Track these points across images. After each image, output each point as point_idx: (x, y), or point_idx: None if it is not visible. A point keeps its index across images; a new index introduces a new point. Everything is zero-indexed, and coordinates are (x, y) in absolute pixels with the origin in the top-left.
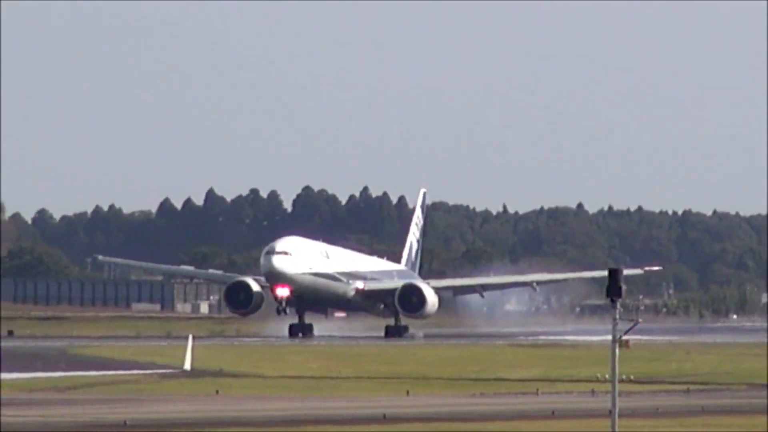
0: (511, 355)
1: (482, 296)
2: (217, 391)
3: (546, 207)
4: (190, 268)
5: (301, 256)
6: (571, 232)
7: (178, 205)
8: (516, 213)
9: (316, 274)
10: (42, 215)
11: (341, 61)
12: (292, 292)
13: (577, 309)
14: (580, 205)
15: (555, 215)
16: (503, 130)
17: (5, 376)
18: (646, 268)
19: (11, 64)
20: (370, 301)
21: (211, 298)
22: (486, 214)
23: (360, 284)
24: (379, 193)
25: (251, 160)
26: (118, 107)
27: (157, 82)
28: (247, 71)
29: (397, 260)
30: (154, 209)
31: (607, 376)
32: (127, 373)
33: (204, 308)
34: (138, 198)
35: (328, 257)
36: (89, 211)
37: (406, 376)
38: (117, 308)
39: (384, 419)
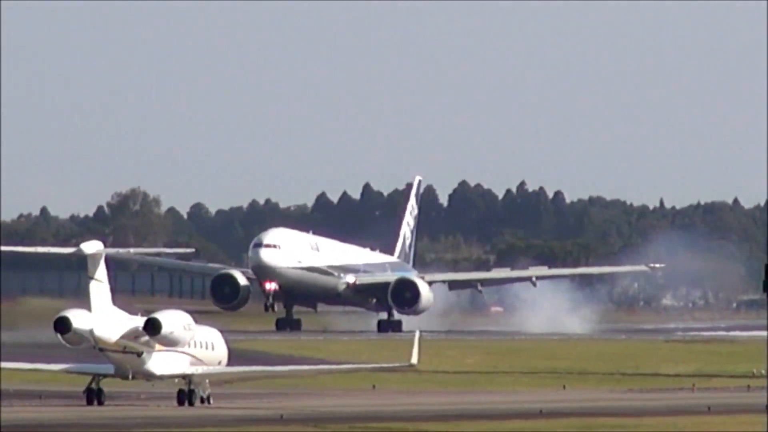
0: (667, 350)
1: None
2: (373, 386)
3: (702, 202)
4: (174, 260)
5: (289, 249)
6: (726, 227)
7: (335, 199)
8: (673, 208)
9: (305, 268)
10: (197, 209)
11: (488, 55)
12: (280, 286)
13: (734, 304)
14: (736, 201)
15: (711, 210)
16: (661, 125)
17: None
18: None
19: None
20: (362, 296)
21: None
22: (643, 209)
23: (351, 278)
24: (536, 188)
25: (407, 154)
26: (280, 102)
27: (319, 76)
28: (409, 68)
29: (551, 258)
30: (310, 203)
31: (763, 371)
32: (352, 367)
33: None
34: (295, 192)
35: (318, 250)
36: (245, 205)
37: (564, 370)
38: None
39: (540, 414)
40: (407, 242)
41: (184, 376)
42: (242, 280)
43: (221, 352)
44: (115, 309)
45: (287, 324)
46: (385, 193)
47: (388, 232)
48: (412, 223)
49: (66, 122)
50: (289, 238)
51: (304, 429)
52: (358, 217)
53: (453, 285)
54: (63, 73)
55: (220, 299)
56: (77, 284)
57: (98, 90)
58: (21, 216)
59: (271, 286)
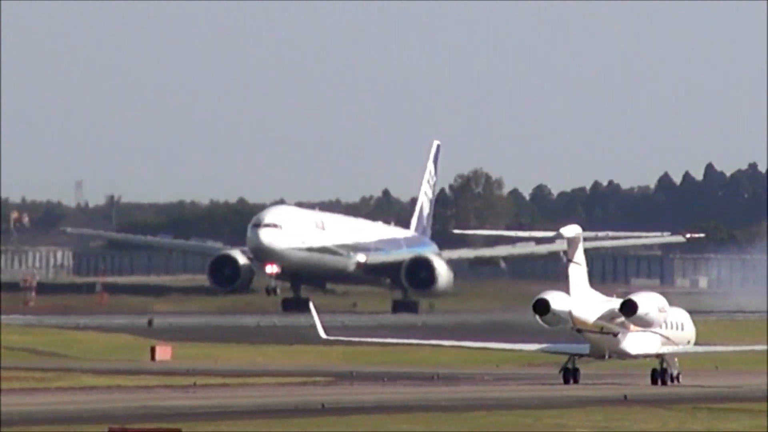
0: None
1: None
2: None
3: None
4: (170, 239)
5: (292, 229)
6: None
7: (677, 179)
8: None
9: (309, 249)
10: (539, 191)
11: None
12: (282, 269)
13: None
14: None
15: None
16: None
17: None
18: None
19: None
20: (374, 275)
21: (712, 272)
22: None
23: (362, 257)
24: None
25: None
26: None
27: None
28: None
29: None
30: (652, 184)
31: None
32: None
33: (703, 283)
34: (637, 173)
35: (323, 228)
36: (588, 186)
37: None
38: (616, 283)
39: None
40: (425, 213)
41: (657, 356)
42: (242, 260)
43: (690, 332)
44: (592, 291)
45: (294, 304)
46: (728, 174)
47: (730, 212)
48: (430, 192)
49: (407, 105)
50: (292, 217)
51: None
52: (701, 197)
53: (474, 262)
54: None
55: (219, 281)
56: None
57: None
58: (363, 198)
59: (272, 269)
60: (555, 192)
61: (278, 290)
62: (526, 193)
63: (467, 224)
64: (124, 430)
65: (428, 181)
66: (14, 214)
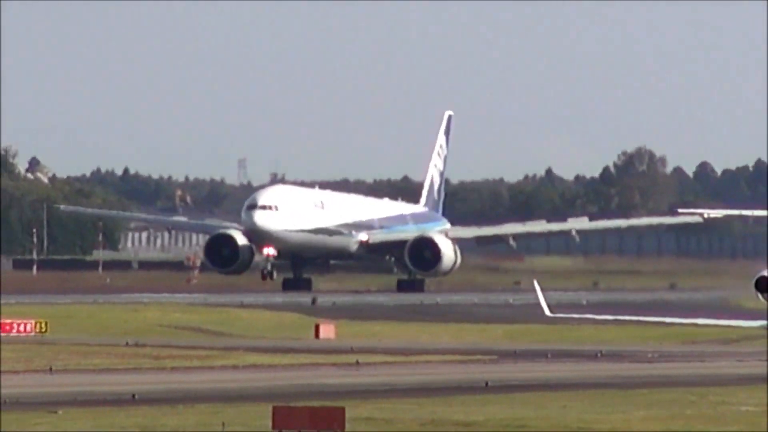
0: None
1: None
2: None
3: None
4: (183, 218)
5: (289, 210)
6: None
7: None
8: None
9: (308, 231)
10: (703, 169)
11: None
12: (279, 251)
13: None
14: None
15: None
16: None
17: None
18: None
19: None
20: (377, 254)
21: None
22: None
23: (364, 236)
24: None
25: None
26: None
27: None
28: None
29: None
30: None
31: None
32: None
33: None
34: None
35: (323, 208)
36: (751, 164)
37: None
38: None
39: None
40: (435, 187)
41: None
42: (241, 240)
43: None
44: None
45: (295, 285)
46: None
47: None
48: (441, 165)
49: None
50: (289, 197)
51: None
52: None
53: (481, 240)
54: None
55: (217, 262)
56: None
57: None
58: (526, 176)
59: (268, 251)
60: (718, 170)
61: (275, 274)
62: (690, 171)
63: (631, 203)
64: (288, 409)
65: (439, 154)
66: (178, 193)
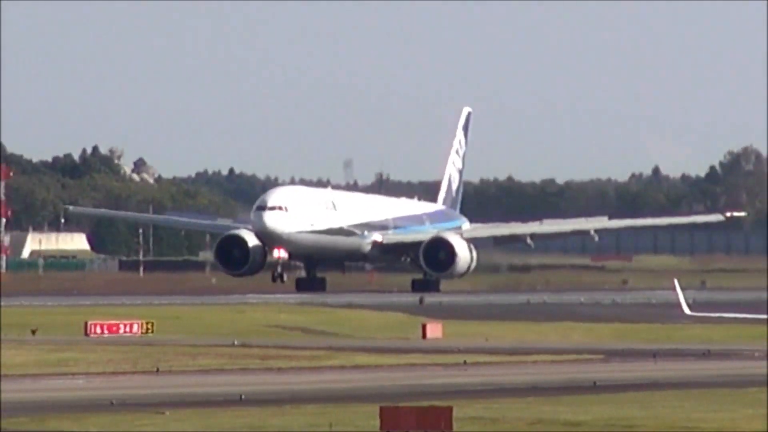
0: None
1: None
2: None
3: None
4: (176, 217)
5: (299, 211)
6: None
7: None
8: None
9: (319, 231)
10: None
11: None
12: (290, 253)
13: None
14: None
15: None
16: None
17: None
18: None
19: None
20: (391, 255)
21: None
22: None
23: (378, 236)
24: None
25: None
26: None
27: None
28: None
29: None
30: None
31: None
32: None
33: None
34: None
35: (335, 208)
36: None
37: None
38: None
39: None
40: (454, 185)
41: None
42: (253, 241)
43: None
44: None
45: (309, 285)
46: None
47: None
48: (459, 162)
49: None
50: (299, 198)
51: None
52: None
53: (499, 240)
54: None
55: (227, 264)
56: (689, 242)
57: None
58: (633, 175)
59: (279, 254)
60: None
61: (285, 277)
62: None
63: (738, 203)
64: (395, 409)
65: (457, 151)
66: None
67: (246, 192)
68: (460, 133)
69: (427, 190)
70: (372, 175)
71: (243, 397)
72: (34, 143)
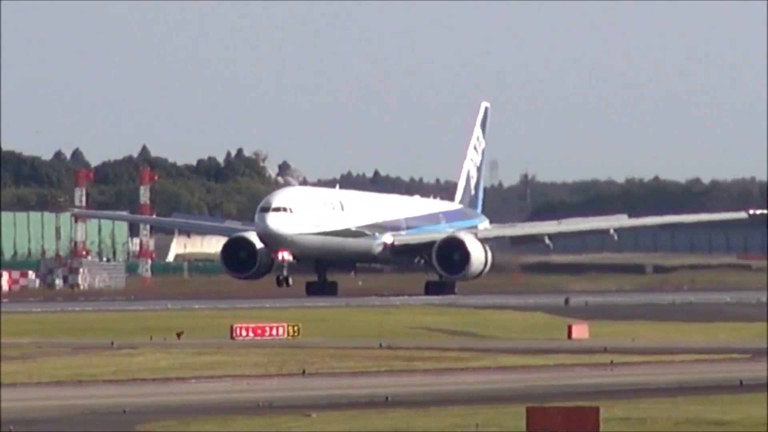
0: None
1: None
2: None
3: None
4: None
5: (304, 213)
6: None
7: None
8: None
9: (325, 233)
10: None
11: None
12: (295, 256)
13: None
14: None
15: None
16: None
17: None
18: None
19: None
20: (404, 257)
21: None
22: None
23: (389, 238)
24: None
25: None
26: None
27: None
28: None
29: None
30: None
31: None
32: None
33: None
34: None
35: (342, 209)
36: None
37: None
38: None
39: None
40: (472, 182)
41: None
42: (259, 243)
43: None
44: None
45: (319, 288)
46: None
47: None
48: (478, 159)
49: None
50: (304, 199)
51: None
52: None
53: (515, 240)
54: None
55: (234, 267)
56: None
57: None
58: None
59: (283, 256)
60: None
61: (290, 280)
62: None
63: None
64: (542, 409)
65: (475, 147)
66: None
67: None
68: (477, 128)
69: (577, 190)
70: (517, 176)
71: (389, 398)
72: (179, 147)
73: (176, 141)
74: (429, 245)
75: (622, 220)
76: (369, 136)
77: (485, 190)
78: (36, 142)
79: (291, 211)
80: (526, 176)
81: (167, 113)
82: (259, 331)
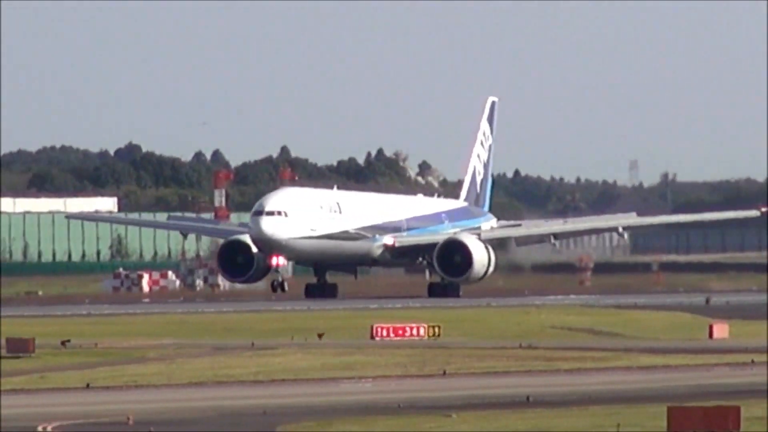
0: None
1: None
2: None
3: None
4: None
5: (299, 215)
6: None
7: None
8: None
9: (321, 236)
10: None
11: None
12: (290, 260)
13: None
14: None
15: None
16: None
17: None
18: None
19: None
20: (405, 259)
21: None
22: None
23: (389, 239)
24: None
25: None
26: None
27: None
28: None
29: None
30: None
31: None
32: None
33: None
34: None
35: (339, 211)
36: None
37: None
38: None
39: None
40: (479, 179)
41: None
42: (255, 247)
43: None
44: None
45: (319, 291)
46: None
47: None
48: (484, 155)
49: None
50: (300, 201)
51: None
52: None
53: (520, 240)
54: None
55: (230, 271)
56: None
57: None
58: None
59: (277, 261)
60: None
61: (286, 286)
62: None
63: None
64: (683, 409)
65: (482, 143)
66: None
67: (531, 193)
68: (484, 123)
69: (717, 189)
70: (658, 176)
71: (530, 398)
72: (320, 148)
73: (317, 142)
74: (431, 246)
75: (631, 219)
76: (510, 137)
77: (491, 184)
78: (176, 144)
79: (286, 215)
80: (666, 176)
81: (309, 116)
82: (399, 332)
